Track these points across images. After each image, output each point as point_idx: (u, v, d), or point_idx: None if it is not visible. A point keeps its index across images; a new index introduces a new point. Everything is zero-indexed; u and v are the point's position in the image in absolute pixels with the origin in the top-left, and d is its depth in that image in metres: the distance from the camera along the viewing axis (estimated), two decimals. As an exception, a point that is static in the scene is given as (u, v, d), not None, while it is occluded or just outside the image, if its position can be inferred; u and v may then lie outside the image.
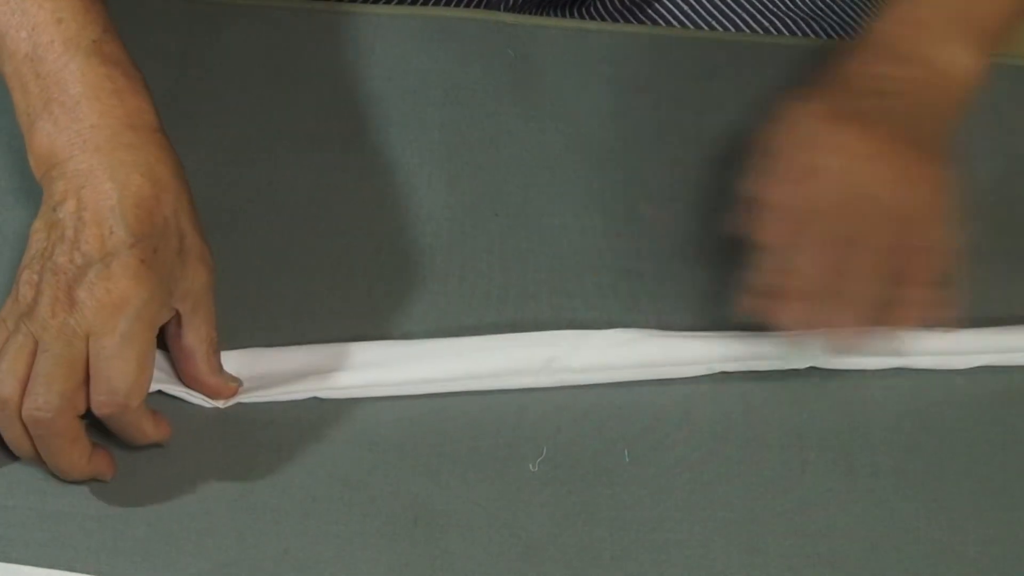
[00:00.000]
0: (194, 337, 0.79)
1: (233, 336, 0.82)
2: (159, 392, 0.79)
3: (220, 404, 0.80)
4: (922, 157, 0.84)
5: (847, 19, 1.09)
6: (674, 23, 1.08)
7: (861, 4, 1.11)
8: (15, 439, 0.76)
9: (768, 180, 0.83)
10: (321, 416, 0.80)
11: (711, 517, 0.78)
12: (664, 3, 1.09)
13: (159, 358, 0.79)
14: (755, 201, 0.83)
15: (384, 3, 1.04)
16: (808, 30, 1.08)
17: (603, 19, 1.08)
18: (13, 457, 0.77)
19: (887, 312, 0.80)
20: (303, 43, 0.98)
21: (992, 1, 0.89)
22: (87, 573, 0.73)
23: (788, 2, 1.08)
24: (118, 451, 0.78)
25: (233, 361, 0.81)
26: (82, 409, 0.75)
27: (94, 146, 0.77)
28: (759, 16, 1.07)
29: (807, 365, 0.84)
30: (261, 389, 0.81)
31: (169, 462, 0.78)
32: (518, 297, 0.87)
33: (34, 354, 0.75)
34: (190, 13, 0.99)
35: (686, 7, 1.08)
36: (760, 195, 0.83)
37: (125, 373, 0.74)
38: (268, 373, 0.81)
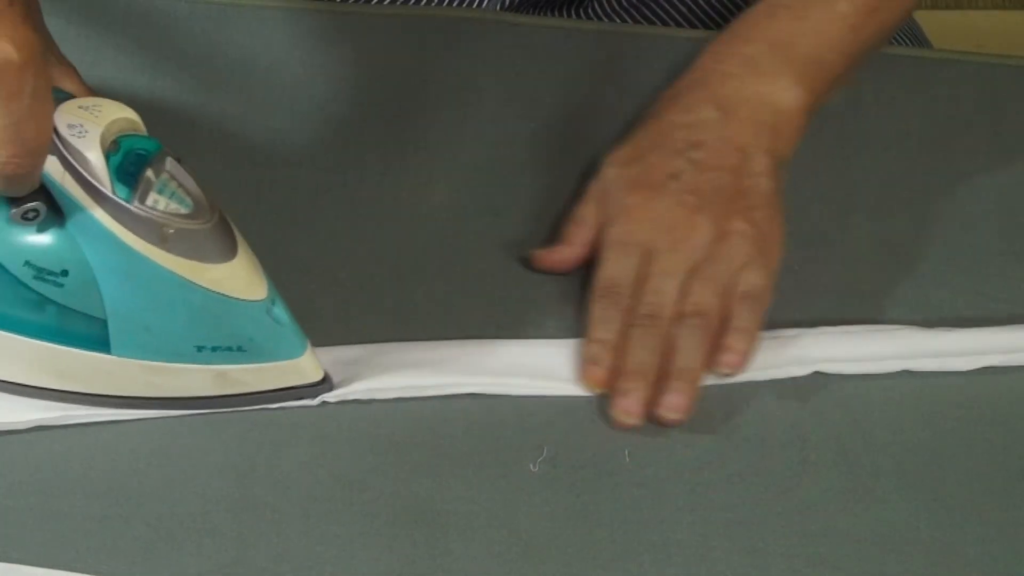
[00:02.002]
0: None
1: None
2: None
3: None
4: (732, 210, 0.84)
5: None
6: (671, 24, 1.08)
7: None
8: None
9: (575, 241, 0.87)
10: (321, 416, 0.80)
11: (711, 517, 0.78)
12: (662, 3, 1.09)
13: None
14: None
15: (385, 3, 1.04)
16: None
17: (602, 19, 1.08)
18: (13, 457, 0.77)
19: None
20: (303, 43, 0.98)
21: (812, 39, 0.90)
22: (87, 573, 0.73)
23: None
24: (118, 451, 0.78)
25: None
26: None
27: None
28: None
29: (809, 372, 0.84)
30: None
31: (169, 462, 0.78)
32: (519, 298, 0.87)
33: None
34: (190, 13, 0.99)
35: (684, 8, 1.08)
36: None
37: None
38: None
